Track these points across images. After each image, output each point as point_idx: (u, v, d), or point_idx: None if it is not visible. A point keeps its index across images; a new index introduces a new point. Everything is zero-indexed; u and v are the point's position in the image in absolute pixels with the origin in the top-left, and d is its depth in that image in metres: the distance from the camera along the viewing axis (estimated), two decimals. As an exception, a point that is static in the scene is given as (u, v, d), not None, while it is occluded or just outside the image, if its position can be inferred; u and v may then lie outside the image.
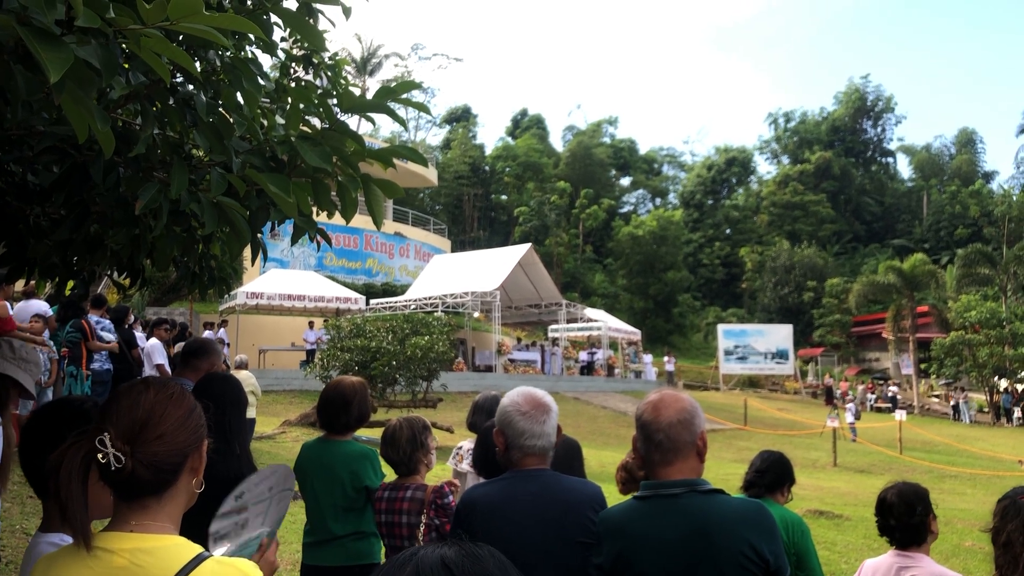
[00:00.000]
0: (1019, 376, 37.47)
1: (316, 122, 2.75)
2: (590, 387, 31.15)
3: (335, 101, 2.77)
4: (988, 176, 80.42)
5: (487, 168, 68.13)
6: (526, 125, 79.75)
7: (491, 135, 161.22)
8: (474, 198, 66.11)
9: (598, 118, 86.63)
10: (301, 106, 2.71)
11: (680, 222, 59.55)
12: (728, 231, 68.31)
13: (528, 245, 32.69)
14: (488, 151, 71.66)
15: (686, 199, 71.13)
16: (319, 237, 2.98)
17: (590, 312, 37.29)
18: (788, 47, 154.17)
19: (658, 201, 79.98)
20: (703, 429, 2.48)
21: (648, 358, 39.41)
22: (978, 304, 39.47)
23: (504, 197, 68.03)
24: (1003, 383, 37.63)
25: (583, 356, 35.10)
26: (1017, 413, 36.19)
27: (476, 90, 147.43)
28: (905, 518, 3.27)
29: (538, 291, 33.50)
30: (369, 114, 2.54)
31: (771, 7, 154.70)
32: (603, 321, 36.82)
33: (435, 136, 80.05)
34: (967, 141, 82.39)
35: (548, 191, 59.79)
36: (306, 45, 3.82)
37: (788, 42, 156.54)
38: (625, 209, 76.43)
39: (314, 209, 2.76)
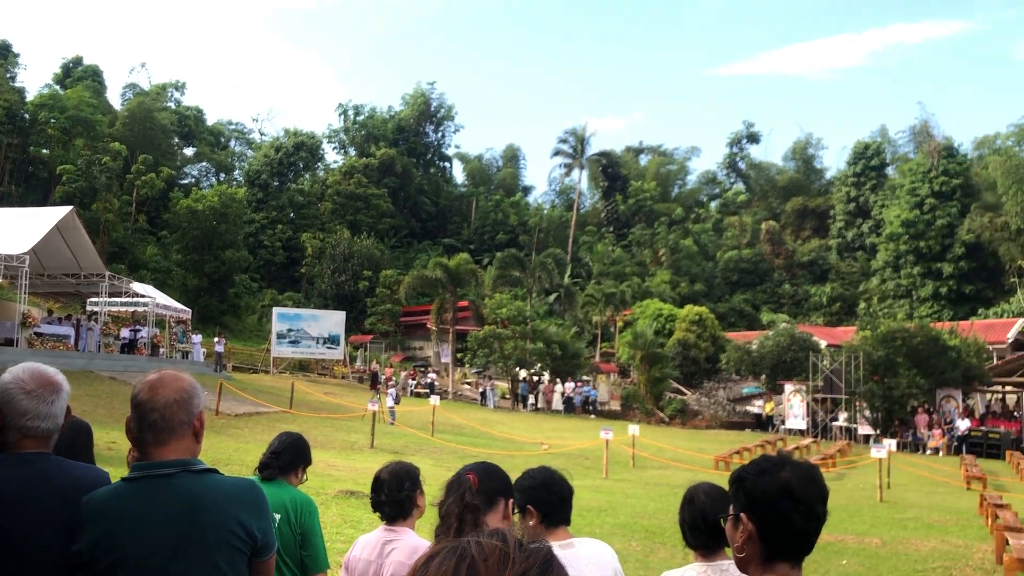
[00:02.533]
0: (535, 367, 42.68)
1: None
2: (129, 366, 29.13)
3: None
4: (527, 190, 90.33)
5: (27, 116, 60.30)
6: (79, 75, 72.01)
7: (35, 80, 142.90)
8: (8, 148, 58.14)
9: (164, 80, 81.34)
10: None
11: (244, 200, 58.14)
12: (292, 215, 68.25)
13: (70, 208, 29.58)
14: (30, 97, 63.47)
15: (252, 178, 69.65)
16: None
17: (137, 287, 34.84)
18: (357, 42, 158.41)
19: (222, 176, 77.29)
20: (201, 410, 2.52)
21: (197, 338, 37.96)
22: (509, 302, 44.23)
23: (46, 151, 60.74)
24: (523, 373, 42.56)
25: (125, 333, 32.71)
26: (531, 400, 41.20)
27: (19, 26, 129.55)
28: (394, 493, 3.61)
29: (78, 259, 30.49)
30: None
31: (339, 1, 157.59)
32: (151, 297, 34.66)
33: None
34: (512, 156, 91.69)
35: (100, 151, 54.57)
36: None
37: (359, 38, 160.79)
38: (186, 181, 72.66)
39: None
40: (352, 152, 79.59)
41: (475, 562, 0.91)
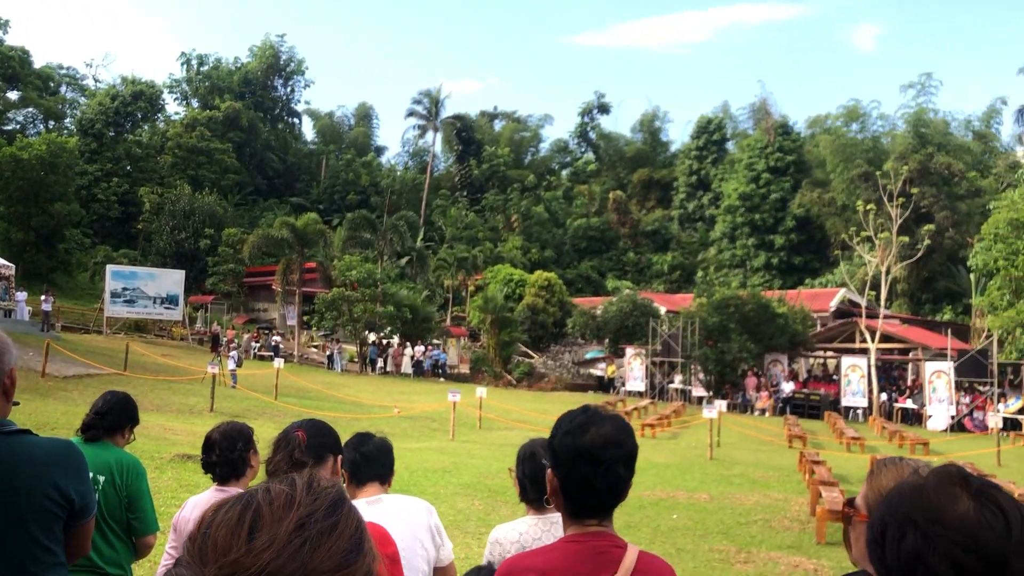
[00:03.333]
0: (385, 330, 42.41)
1: None
2: (-58, 325, 26.97)
3: None
4: (379, 150, 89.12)
5: None
6: None
7: None
8: None
9: (-18, 16, 74.74)
10: None
11: (75, 151, 54.43)
12: (128, 168, 64.53)
13: None
14: None
15: (85, 127, 65.25)
16: None
17: (-50, 239, 32.25)
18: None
19: (51, 124, 72.05)
20: (12, 367, 2.38)
21: (22, 295, 35.55)
22: (358, 264, 43.62)
23: None
24: (372, 336, 42.21)
25: (-63, 289, 30.27)
26: (380, 363, 40.98)
27: None
28: (227, 453, 3.53)
29: None
30: None
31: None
32: (-33, 251, 32.13)
33: None
34: (365, 115, 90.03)
35: (-94, 90, 49.75)
36: None
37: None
38: (10, 127, 67.32)
39: None
40: (195, 104, 75.97)
41: (260, 507, 0.91)
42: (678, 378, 36.67)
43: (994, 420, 25.46)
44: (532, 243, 64.93)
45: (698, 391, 35.67)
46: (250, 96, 76.30)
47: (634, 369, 37.45)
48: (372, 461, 3.29)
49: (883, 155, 52.59)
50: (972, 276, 41.17)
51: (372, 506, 3.18)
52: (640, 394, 35.99)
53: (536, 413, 25.54)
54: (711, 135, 70.21)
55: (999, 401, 30.41)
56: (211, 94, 74.46)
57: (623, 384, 38.02)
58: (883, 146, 55.84)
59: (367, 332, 41.91)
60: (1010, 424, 28.19)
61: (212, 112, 69.45)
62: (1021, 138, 57.23)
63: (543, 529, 3.11)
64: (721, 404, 23.03)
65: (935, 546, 1.19)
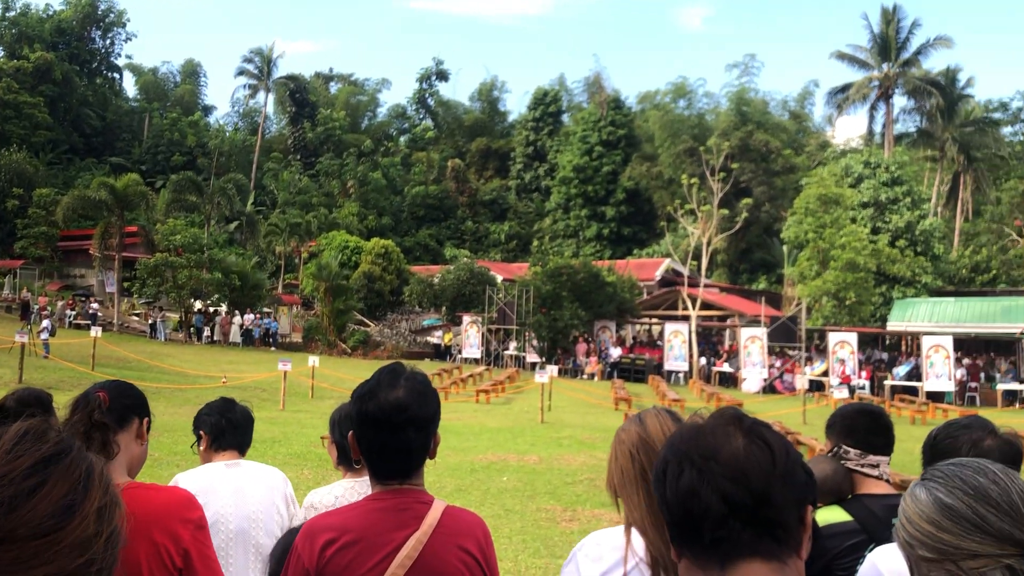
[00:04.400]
0: (212, 298, 40.85)
1: None
2: None
3: None
4: (207, 109, 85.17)
5: None
6: None
7: None
8: None
9: None
10: None
11: None
12: (-80, 119, 58.77)
13: None
14: None
15: None
16: None
17: None
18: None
19: None
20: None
21: None
22: (184, 229, 41.61)
23: None
24: (197, 304, 40.56)
25: None
26: (207, 332, 39.48)
27: None
28: (20, 423, 3.32)
29: None
30: None
31: None
32: None
33: None
34: (192, 72, 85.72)
35: None
36: None
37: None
38: None
39: None
40: (0, 53, 69.89)
41: None
42: (513, 345, 37.35)
43: (801, 382, 27.43)
44: (369, 210, 64.08)
45: (532, 357, 36.47)
46: (64, 47, 70.90)
47: (470, 337, 37.84)
48: (236, 428, 3.38)
49: (707, 131, 55.10)
50: (785, 248, 43.96)
51: (231, 468, 3.24)
52: (476, 361, 36.43)
53: (371, 381, 25.37)
54: (547, 107, 71.29)
55: (806, 364, 32.80)
56: (19, 42, 68.54)
57: (459, 351, 38.35)
58: (708, 123, 58.50)
59: (193, 300, 40.24)
60: (815, 385, 30.46)
61: (20, 62, 63.96)
62: (831, 119, 61.41)
63: (359, 492, 3.12)
64: (553, 369, 23.62)
65: (708, 480, 1.27)
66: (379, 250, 45.93)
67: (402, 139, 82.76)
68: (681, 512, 1.29)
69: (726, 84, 62.70)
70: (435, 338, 41.45)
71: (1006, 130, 62.13)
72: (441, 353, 39.90)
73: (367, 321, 43.52)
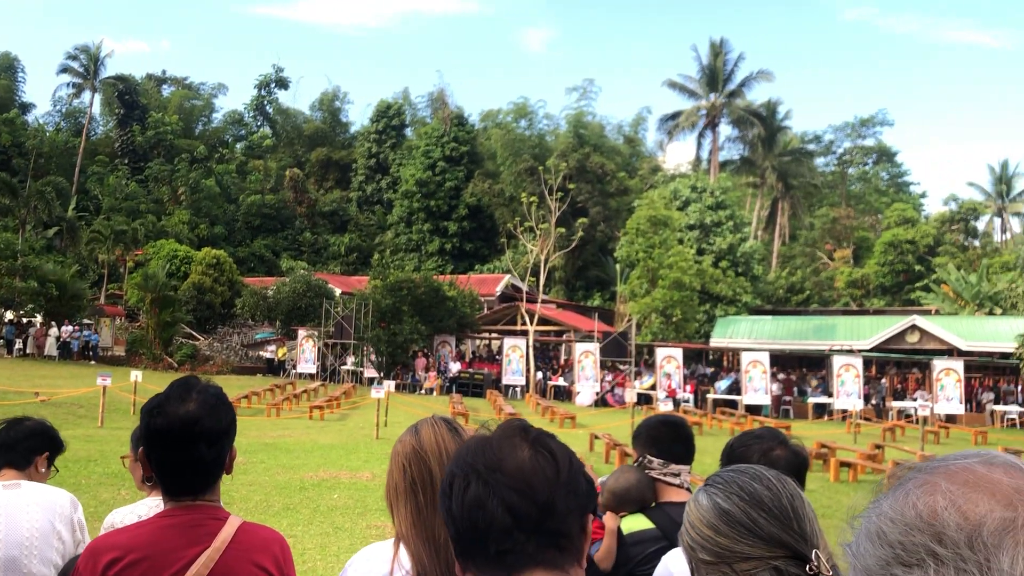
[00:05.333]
0: (26, 308, 38.13)
1: None
2: None
3: None
4: (25, 107, 79.42)
5: None
6: None
7: None
8: None
9: None
10: None
11: None
12: None
13: None
14: None
15: None
16: None
17: None
18: None
19: None
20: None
21: None
22: (-3, 233, 38.71)
23: None
24: (9, 314, 37.78)
25: None
26: (19, 345, 36.81)
27: None
28: None
29: None
30: None
31: None
32: None
33: None
34: (8, 67, 79.83)
35: None
36: None
37: None
38: None
39: None
40: None
41: None
42: (350, 360, 36.82)
43: (631, 395, 28.42)
44: (201, 218, 61.61)
45: (369, 372, 36.05)
46: None
47: (306, 351, 37.02)
48: (13, 446, 3.20)
49: (547, 152, 56.44)
50: (618, 266, 45.55)
51: (8, 490, 3.05)
52: (311, 376, 35.66)
53: (199, 397, 24.36)
54: (390, 120, 70.97)
55: (636, 378, 34.03)
56: None
57: (294, 366, 37.44)
58: (548, 143, 59.94)
59: (4, 310, 37.42)
60: (644, 399, 31.63)
61: None
62: (662, 144, 64.32)
63: (164, 510, 3.01)
64: (390, 384, 23.47)
65: (495, 492, 1.25)
66: (211, 260, 44.21)
67: (238, 146, 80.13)
68: (467, 525, 1.28)
69: (565, 107, 64.64)
70: (268, 352, 40.28)
71: (819, 160, 67.06)
72: (275, 368, 38.82)
73: (196, 334, 41.76)
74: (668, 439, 3.21)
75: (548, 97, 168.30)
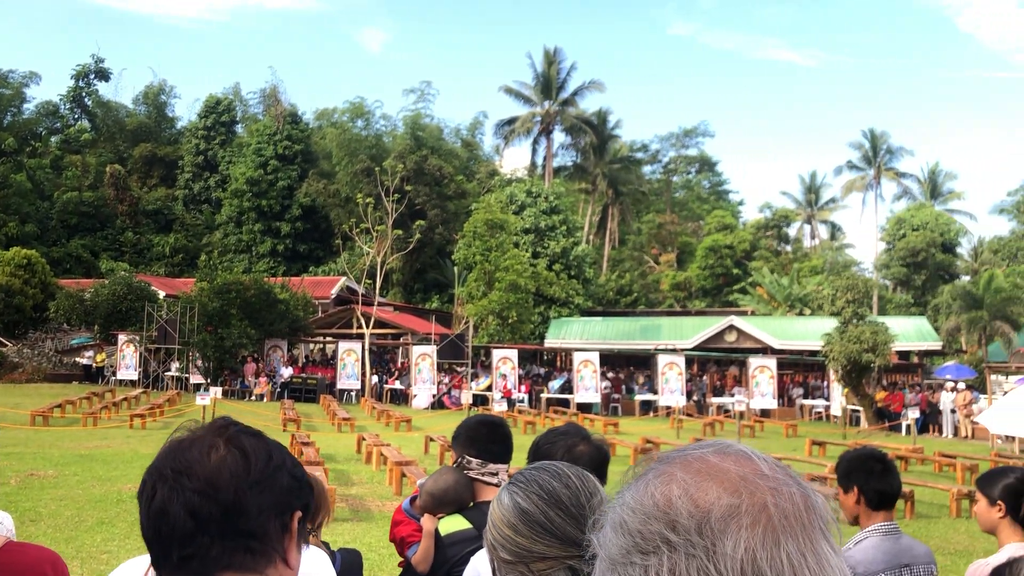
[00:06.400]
0: None
1: None
2: None
3: None
4: None
5: None
6: None
7: None
8: None
9: None
10: None
11: None
12: None
13: None
14: None
15: None
16: None
17: None
18: None
19: None
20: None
21: None
22: None
23: None
24: None
25: None
26: None
27: None
28: None
29: None
30: None
31: None
32: None
33: None
34: None
35: None
36: None
37: None
38: None
39: None
40: None
41: None
42: (175, 365, 35.22)
43: (467, 397, 28.64)
44: (10, 216, 57.18)
45: (196, 378, 34.61)
46: None
47: (127, 357, 35.14)
48: None
49: (384, 153, 56.04)
50: (456, 269, 45.81)
51: None
52: (133, 383, 33.88)
53: (6, 408, 22.71)
54: (220, 116, 68.39)
55: (472, 380, 34.33)
56: None
57: (113, 373, 35.46)
58: (385, 144, 59.48)
59: None
60: (480, 400, 31.97)
61: None
62: (499, 149, 65.22)
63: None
64: (217, 391, 22.64)
65: (179, 496, 1.20)
66: (20, 261, 41.11)
67: (53, 139, 74.93)
68: (153, 533, 1.22)
69: (403, 108, 64.48)
70: (85, 359, 37.93)
71: (646, 169, 69.93)
72: (92, 375, 36.60)
73: (3, 340, 38.76)
74: (486, 439, 3.28)
75: (385, 98, 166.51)
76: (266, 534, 1.23)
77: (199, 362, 34.92)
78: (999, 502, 3.53)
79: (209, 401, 19.14)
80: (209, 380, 33.41)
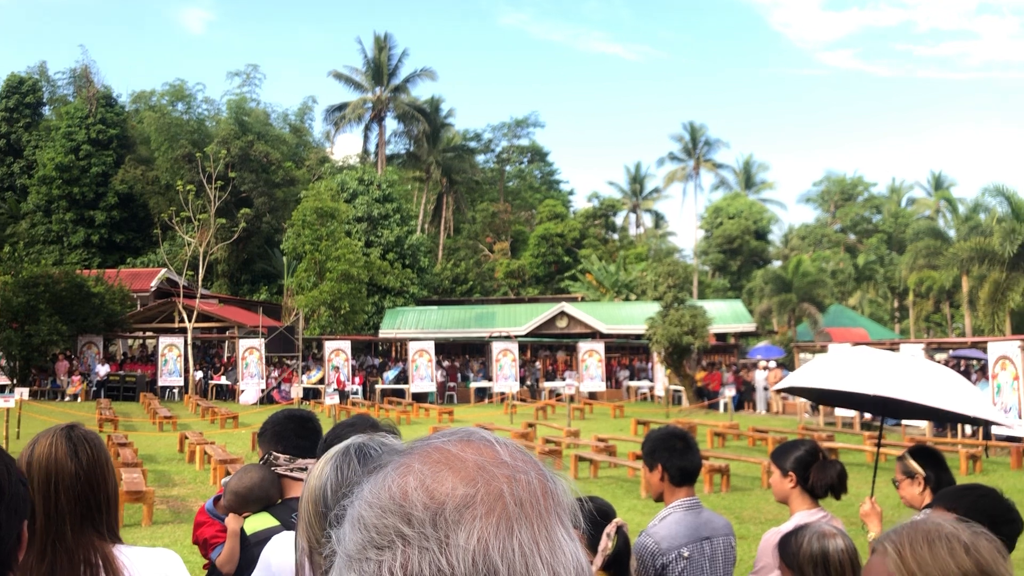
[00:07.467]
0: None
1: None
2: None
3: None
4: None
5: None
6: None
7: None
8: None
9: None
10: None
11: None
12: None
13: None
14: None
15: None
16: None
17: None
18: None
19: None
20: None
21: None
22: None
23: None
24: None
25: None
26: None
27: None
28: None
29: None
30: None
31: None
32: None
33: None
34: None
35: None
36: None
37: None
38: None
39: None
40: None
41: None
42: (-25, 366, 32.51)
43: (297, 391, 28.01)
44: None
45: (1, 380, 32.09)
46: None
47: (-83, 358, 32.11)
48: None
49: (207, 138, 53.62)
50: (285, 259, 44.57)
51: None
52: (-76, 387, 31.00)
53: None
54: (24, 96, 63.39)
55: (303, 373, 33.58)
56: None
57: (-98, 376, 32.33)
58: (208, 129, 56.97)
59: None
60: (312, 393, 31.32)
61: None
62: (329, 135, 63.88)
63: None
64: (23, 392, 21.05)
65: None
66: None
67: None
68: None
69: (227, 92, 61.89)
70: None
71: (480, 158, 70.45)
72: None
73: None
74: (294, 434, 3.20)
75: (208, 81, 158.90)
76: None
77: (3, 361, 32.40)
78: (791, 473, 3.77)
79: (13, 404, 17.75)
80: (15, 380, 31.05)
